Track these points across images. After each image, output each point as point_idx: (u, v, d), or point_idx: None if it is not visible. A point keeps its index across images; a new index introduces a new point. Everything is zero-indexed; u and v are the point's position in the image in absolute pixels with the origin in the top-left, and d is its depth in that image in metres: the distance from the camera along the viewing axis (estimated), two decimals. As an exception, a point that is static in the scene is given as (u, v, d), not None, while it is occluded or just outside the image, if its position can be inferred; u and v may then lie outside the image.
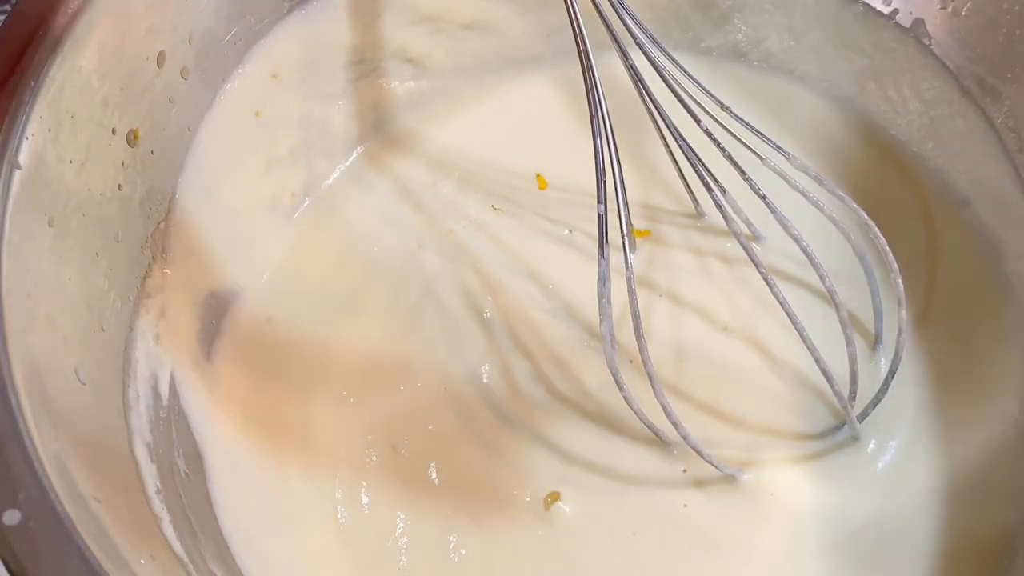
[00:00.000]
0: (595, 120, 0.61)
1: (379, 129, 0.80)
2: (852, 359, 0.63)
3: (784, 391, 0.68)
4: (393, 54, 0.78)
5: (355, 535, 0.65)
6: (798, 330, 0.62)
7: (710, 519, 0.64)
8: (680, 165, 0.70)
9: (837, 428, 0.66)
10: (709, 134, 0.64)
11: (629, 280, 0.61)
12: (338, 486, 0.66)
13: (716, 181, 0.65)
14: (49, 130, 0.54)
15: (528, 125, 0.79)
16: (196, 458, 0.65)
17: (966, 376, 0.67)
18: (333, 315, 0.72)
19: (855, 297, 0.68)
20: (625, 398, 0.62)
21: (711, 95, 0.65)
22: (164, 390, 0.64)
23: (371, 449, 0.67)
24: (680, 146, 0.64)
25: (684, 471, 0.66)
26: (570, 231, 0.75)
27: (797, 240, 0.63)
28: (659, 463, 0.66)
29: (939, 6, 0.70)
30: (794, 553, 0.63)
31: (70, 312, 0.56)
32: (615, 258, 0.61)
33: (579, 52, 0.61)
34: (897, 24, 0.73)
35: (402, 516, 0.65)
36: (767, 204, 0.63)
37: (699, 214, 0.74)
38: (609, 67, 0.63)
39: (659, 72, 0.63)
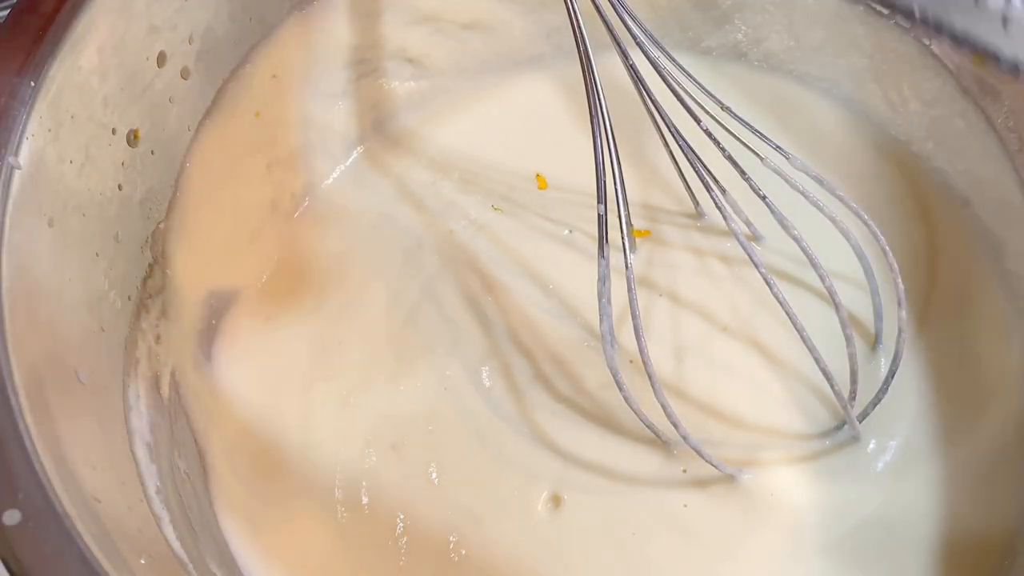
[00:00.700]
0: (595, 120, 0.61)
1: (379, 129, 0.80)
2: (852, 359, 0.63)
3: (784, 391, 0.68)
4: (393, 54, 0.78)
5: (355, 535, 0.65)
6: (798, 330, 0.62)
7: (710, 519, 0.64)
8: (680, 165, 0.70)
9: (837, 428, 0.66)
10: (709, 134, 0.64)
11: (629, 280, 0.61)
12: (338, 486, 0.66)
13: (716, 181, 0.65)
14: (49, 130, 0.54)
15: (528, 125, 0.79)
16: (196, 458, 0.65)
17: (966, 376, 0.67)
18: (333, 315, 0.72)
19: (855, 297, 0.68)
20: (625, 398, 0.62)
21: (711, 95, 0.65)
22: (164, 390, 0.64)
23: (371, 449, 0.67)
24: (680, 146, 0.64)
25: (684, 471, 0.66)
26: (570, 231, 0.75)
27: (797, 240, 0.63)
28: (659, 463, 0.66)
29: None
30: (794, 553, 0.63)
31: (70, 312, 0.56)
32: (615, 258, 0.61)
33: (579, 52, 0.61)
34: (897, 24, 0.72)
35: (402, 516, 0.65)
36: (767, 204, 0.63)
37: (699, 214, 0.74)
38: (609, 67, 0.63)
39: (659, 72, 0.63)
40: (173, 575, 0.54)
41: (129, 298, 0.62)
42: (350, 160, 0.79)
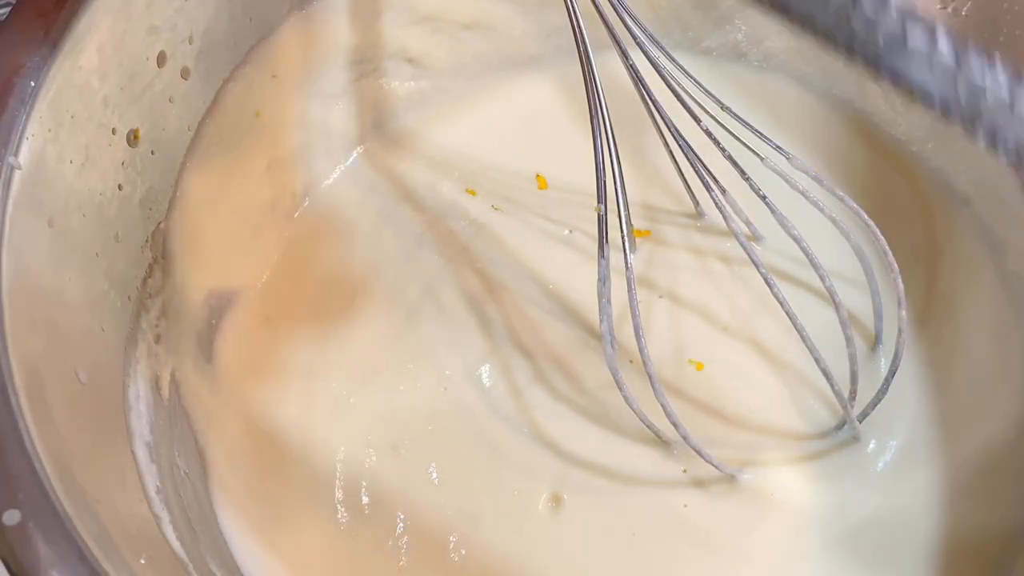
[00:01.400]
0: (595, 120, 0.61)
1: (379, 129, 0.80)
2: (852, 359, 0.63)
3: (784, 391, 0.68)
4: (393, 54, 0.78)
5: (355, 535, 0.65)
6: (798, 330, 0.62)
7: (710, 519, 0.64)
8: (680, 165, 0.70)
9: (837, 428, 0.66)
10: (709, 134, 0.64)
11: (629, 280, 0.61)
12: (338, 486, 0.66)
13: (716, 181, 0.65)
14: (49, 130, 0.54)
15: (528, 125, 0.79)
16: (196, 458, 0.65)
17: (966, 376, 0.67)
18: (333, 315, 0.72)
19: (855, 297, 0.68)
20: (625, 398, 0.62)
21: (711, 95, 0.65)
22: (164, 390, 0.64)
23: (371, 449, 0.67)
24: (680, 146, 0.64)
25: (684, 471, 0.66)
26: (570, 231, 0.75)
27: (797, 240, 0.63)
28: (659, 463, 0.66)
29: (939, 6, 0.70)
30: (794, 553, 0.63)
31: (70, 312, 0.56)
32: (615, 258, 0.61)
33: (579, 52, 0.61)
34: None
35: (402, 516, 0.65)
36: (767, 204, 0.63)
37: (699, 214, 0.74)
38: (609, 67, 0.63)
39: (659, 72, 0.63)
40: (173, 575, 0.54)
41: (129, 298, 0.62)
42: (350, 160, 0.79)
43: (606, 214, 0.61)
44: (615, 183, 0.63)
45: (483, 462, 0.67)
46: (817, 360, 0.62)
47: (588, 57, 0.60)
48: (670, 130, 0.64)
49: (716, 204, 0.64)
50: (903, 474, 0.64)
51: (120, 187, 0.61)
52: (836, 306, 0.63)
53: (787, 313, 0.62)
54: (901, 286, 0.64)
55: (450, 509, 0.65)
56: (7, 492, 0.46)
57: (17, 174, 0.52)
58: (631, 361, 0.67)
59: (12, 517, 0.45)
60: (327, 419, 0.68)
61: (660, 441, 0.65)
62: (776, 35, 0.78)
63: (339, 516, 0.65)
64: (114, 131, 0.60)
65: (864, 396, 0.65)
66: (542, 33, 0.80)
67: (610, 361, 0.61)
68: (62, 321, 0.55)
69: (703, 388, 0.68)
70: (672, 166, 0.70)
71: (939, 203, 0.72)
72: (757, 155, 0.64)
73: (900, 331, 0.64)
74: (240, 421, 0.68)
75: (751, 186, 0.63)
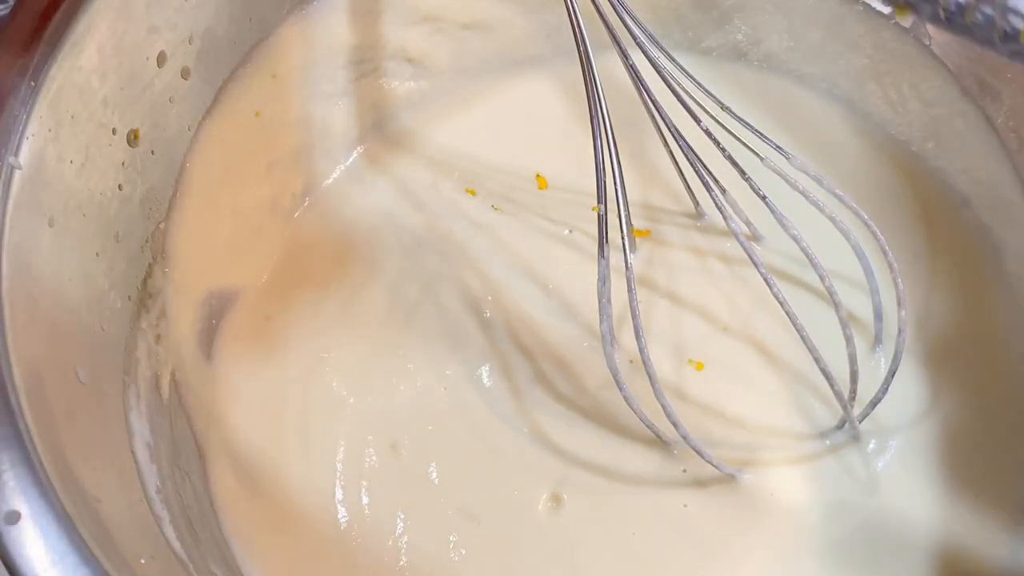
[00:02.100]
0: (595, 120, 0.61)
1: (379, 129, 0.80)
2: (852, 359, 0.63)
3: (784, 391, 0.68)
4: (393, 54, 0.78)
5: (355, 535, 0.65)
6: (798, 330, 0.62)
7: (710, 519, 0.64)
8: (680, 165, 0.70)
9: (837, 428, 0.66)
10: (709, 134, 0.64)
11: (629, 280, 0.61)
12: (338, 486, 0.66)
13: (716, 181, 0.65)
14: (49, 130, 0.54)
15: (528, 125, 0.79)
16: (196, 458, 0.65)
17: (966, 376, 0.67)
18: (333, 315, 0.72)
19: (855, 297, 0.68)
20: (625, 398, 0.62)
21: (711, 95, 0.65)
22: (164, 390, 0.64)
23: (371, 449, 0.67)
24: (680, 146, 0.64)
25: (684, 471, 0.66)
26: (570, 231, 0.75)
27: (797, 240, 0.63)
28: (659, 463, 0.66)
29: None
30: (794, 553, 0.63)
31: (70, 312, 0.56)
32: (615, 258, 0.61)
33: (579, 52, 0.61)
34: (897, 24, 0.72)
35: (402, 516, 0.65)
36: (767, 204, 0.63)
37: (699, 214, 0.74)
38: (609, 67, 0.63)
39: (659, 72, 0.63)
40: (173, 575, 0.54)
41: (129, 298, 0.62)
42: (350, 160, 0.79)
43: (606, 214, 0.61)
44: (615, 183, 0.63)
45: (483, 462, 0.67)
46: (817, 360, 0.62)
47: (588, 57, 0.60)
48: (670, 130, 0.64)
49: (716, 204, 0.64)
50: (902, 473, 0.64)
51: (120, 187, 0.61)
52: (836, 306, 0.63)
53: (787, 313, 0.62)
54: (901, 286, 0.64)
55: (450, 509, 0.65)
56: (7, 492, 0.46)
57: (17, 174, 0.52)
58: (631, 361, 0.67)
59: (12, 517, 0.45)
60: (327, 419, 0.68)
61: (660, 441, 0.65)
62: (776, 35, 0.78)
63: (339, 516, 0.65)
64: (114, 131, 0.60)
65: (864, 396, 0.65)
66: (542, 33, 0.80)
67: (610, 361, 0.61)
68: (62, 321, 0.55)
69: (703, 388, 0.68)
70: (672, 166, 0.71)
71: (939, 203, 0.72)
72: (757, 155, 0.64)
73: (900, 331, 0.64)
74: (240, 421, 0.68)
75: (751, 186, 0.63)
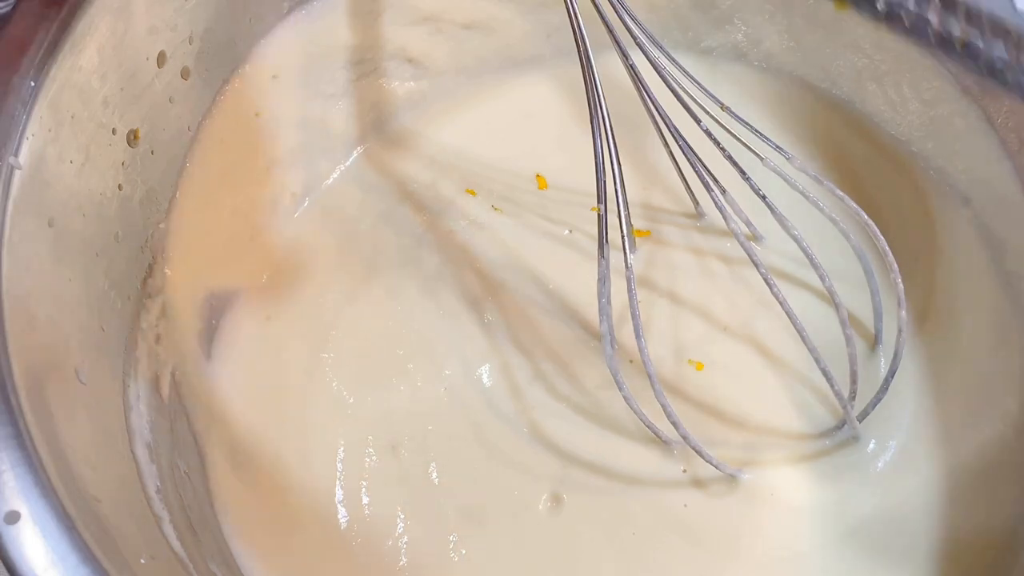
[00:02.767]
0: (595, 120, 0.61)
1: (379, 129, 0.80)
2: (852, 359, 0.63)
3: (784, 391, 0.68)
4: (393, 54, 0.78)
5: (355, 535, 0.65)
6: (798, 330, 0.62)
7: (710, 519, 0.64)
8: (680, 165, 0.70)
9: (837, 428, 0.66)
10: (709, 134, 0.64)
11: (629, 280, 0.61)
12: (338, 486, 0.66)
13: (716, 181, 0.65)
14: (49, 130, 0.54)
15: (528, 125, 0.79)
16: (196, 458, 0.66)
17: (966, 376, 0.67)
18: (333, 315, 0.72)
19: (855, 297, 0.68)
20: (625, 398, 0.62)
21: (711, 95, 0.65)
22: (164, 390, 0.64)
23: (371, 449, 0.67)
24: (680, 146, 0.64)
25: (684, 471, 0.66)
26: (570, 231, 0.75)
27: (797, 240, 0.63)
28: (659, 463, 0.66)
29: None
30: (793, 552, 0.63)
31: (70, 312, 0.56)
32: (615, 258, 0.61)
33: (579, 52, 0.61)
34: (897, 24, 0.72)
35: (402, 516, 0.65)
36: (767, 204, 0.63)
37: (699, 214, 0.74)
38: (609, 67, 0.63)
39: (659, 72, 0.63)
40: (173, 575, 0.54)
41: (129, 298, 0.62)
42: (350, 160, 0.79)
43: (606, 214, 0.61)
44: (615, 183, 0.63)
45: (483, 462, 0.67)
46: (817, 360, 0.62)
47: (588, 57, 0.60)
48: (670, 130, 0.64)
49: (716, 204, 0.64)
50: (903, 474, 0.64)
51: (120, 187, 0.61)
52: (836, 306, 0.63)
53: (787, 313, 0.62)
54: (901, 286, 0.64)
55: (450, 509, 0.65)
56: (7, 492, 0.46)
57: (17, 174, 0.52)
58: (631, 361, 0.67)
59: (12, 517, 0.45)
60: (327, 419, 0.68)
61: (660, 441, 0.65)
62: (776, 35, 0.78)
63: (339, 516, 0.65)
64: (114, 131, 0.60)
65: (864, 396, 0.65)
66: (542, 33, 0.80)
67: (610, 361, 0.61)
68: (62, 321, 0.55)
69: (703, 388, 0.68)
70: (672, 166, 0.70)
71: (939, 203, 0.72)
72: (757, 155, 0.64)
73: (900, 331, 0.64)
74: (240, 421, 0.68)
75: (751, 186, 0.63)
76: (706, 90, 0.65)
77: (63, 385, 0.53)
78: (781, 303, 0.62)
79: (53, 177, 0.55)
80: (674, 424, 0.62)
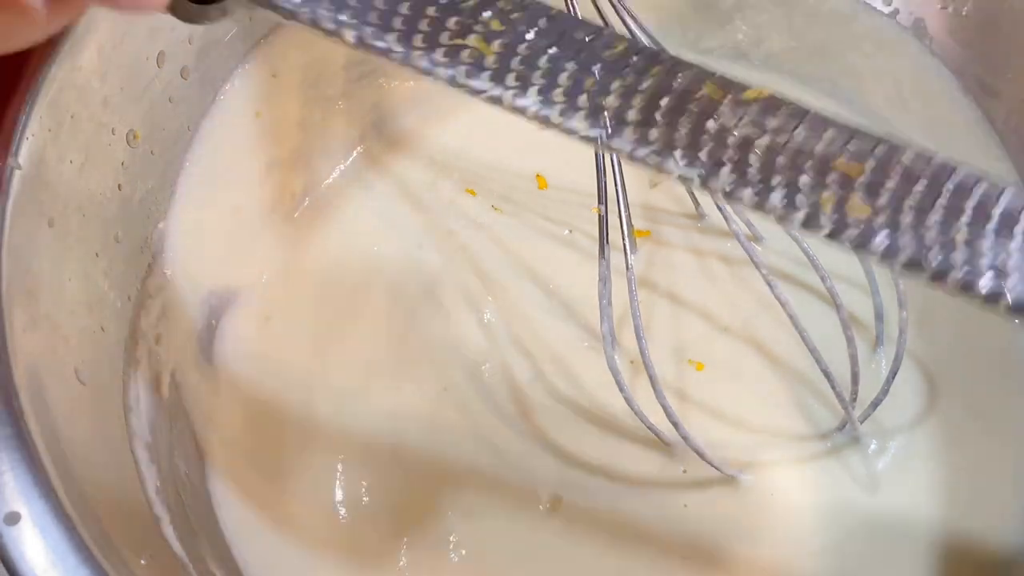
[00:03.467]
0: None
1: (379, 129, 0.80)
2: (853, 360, 0.63)
3: (784, 392, 0.68)
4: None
5: (355, 535, 0.65)
6: (799, 331, 0.62)
7: (710, 519, 0.64)
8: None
9: (838, 429, 0.66)
10: None
11: (630, 281, 0.61)
12: (338, 486, 0.66)
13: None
14: (49, 130, 0.54)
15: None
16: (196, 458, 0.65)
17: (966, 376, 0.67)
18: (333, 315, 0.72)
19: (855, 298, 0.68)
20: (626, 399, 0.62)
21: None
22: (164, 390, 0.64)
23: (371, 449, 0.67)
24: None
25: (684, 471, 0.66)
26: (570, 231, 0.75)
27: (797, 241, 0.63)
28: (659, 464, 0.66)
29: (939, 6, 0.70)
30: (794, 553, 0.63)
31: (70, 312, 0.56)
32: (615, 258, 0.61)
33: None
34: (897, 24, 0.73)
35: (402, 516, 0.65)
36: None
37: (699, 215, 0.74)
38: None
39: None
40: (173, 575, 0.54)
41: (129, 298, 0.62)
42: (350, 160, 0.78)
43: (607, 214, 0.61)
44: (616, 184, 0.63)
45: (483, 462, 0.67)
46: (818, 361, 0.62)
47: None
48: None
49: (717, 205, 0.64)
50: (903, 474, 0.64)
51: (120, 187, 0.61)
52: (837, 307, 0.63)
53: (788, 315, 0.62)
54: (902, 287, 0.64)
55: (450, 509, 0.65)
56: (7, 493, 0.46)
57: (17, 174, 0.52)
58: (631, 362, 0.67)
59: (12, 518, 0.45)
60: (327, 419, 0.68)
61: (660, 441, 0.65)
62: (777, 35, 0.78)
63: (339, 516, 0.65)
64: (114, 131, 0.60)
65: (864, 397, 0.65)
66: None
67: (611, 363, 0.61)
68: (62, 321, 0.55)
69: (704, 389, 0.68)
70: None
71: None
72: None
73: (901, 332, 0.64)
74: (240, 421, 0.68)
75: None
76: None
77: (63, 386, 0.53)
78: (783, 304, 0.61)
79: (53, 177, 0.55)
80: (675, 425, 0.62)
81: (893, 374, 0.64)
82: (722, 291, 0.71)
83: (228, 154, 0.70)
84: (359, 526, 0.65)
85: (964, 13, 0.69)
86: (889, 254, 0.36)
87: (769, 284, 0.61)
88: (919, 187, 0.37)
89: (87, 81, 0.57)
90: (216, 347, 0.70)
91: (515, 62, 0.40)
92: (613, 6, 0.62)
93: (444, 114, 0.80)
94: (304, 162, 0.76)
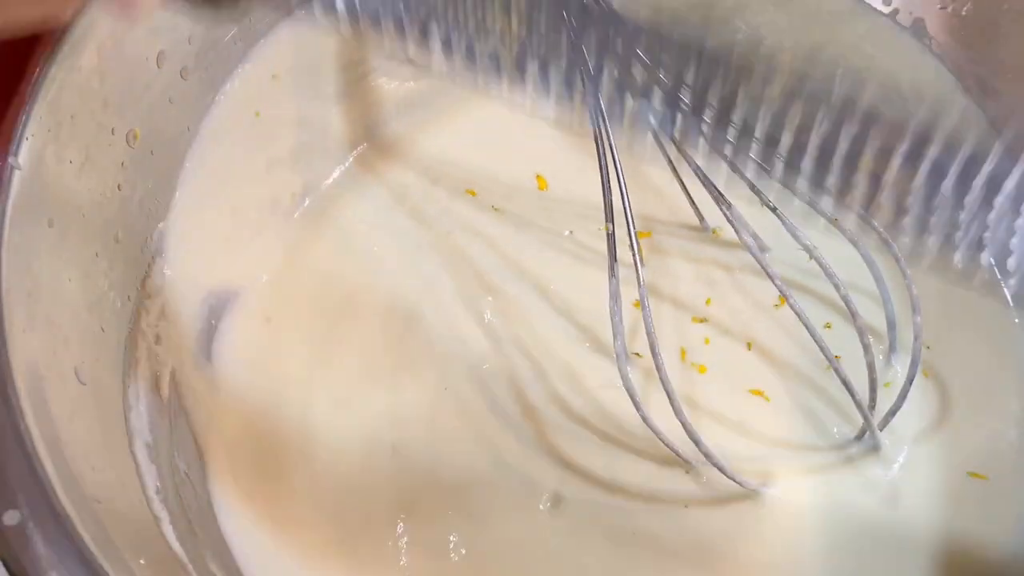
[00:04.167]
0: (599, 140, 0.60)
1: (378, 130, 0.80)
2: (871, 368, 0.63)
3: (797, 402, 0.67)
4: (392, 54, 0.77)
5: (355, 535, 0.65)
6: (817, 340, 0.61)
7: (711, 520, 0.64)
8: (683, 179, 0.69)
9: (856, 439, 0.66)
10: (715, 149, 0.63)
11: (642, 296, 0.60)
12: (338, 486, 0.66)
13: (722, 196, 0.65)
14: (49, 130, 0.54)
15: (528, 125, 0.79)
16: (196, 458, 0.65)
17: (968, 379, 0.67)
18: (333, 315, 0.72)
19: (863, 305, 0.67)
20: (643, 418, 0.61)
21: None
22: (164, 390, 0.64)
23: (371, 449, 0.67)
24: (687, 161, 0.64)
25: (686, 472, 0.65)
26: (570, 231, 0.75)
27: (810, 251, 0.62)
28: (660, 464, 0.66)
29: (939, 6, 0.70)
30: (796, 555, 0.63)
31: (70, 312, 0.56)
32: (623, 272, 0.61)
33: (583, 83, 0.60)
34: (897, 24, 0.72)
35: (402, 516, 0.65)
36: (778, 216, 0.62)
37: (703, 227, 0.73)
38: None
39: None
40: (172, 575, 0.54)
41: (129, 298, 0.62)
42: (350, 160, 0.78)
43: (614, 231, 0.61)
44: (623, 200, 0.62)
45: (483, 462, 0.67)
46: (836, 371, 0.61)
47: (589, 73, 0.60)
48: (675, 145, 0.63)
49: (727, 218, 0.63)
50: (910, 479, 0.65)
51: (120, 187, 0.61)
52: (853, 315, 0.62)
53: (805, 325, 0.61)
54: (915, 292, 0.64)
55: (450, 509, 0.65)
56: (7, 493, 0.46)
57: (17, 174, 0.52)
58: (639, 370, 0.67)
59: (12, 518, 0.45)
60: (327, 419, 0.68)
61: (660, 442, 0.65)
62: (776, 36, 0.78)
63: (339, 516, 0.65)
64: (114, 131, 0.60)
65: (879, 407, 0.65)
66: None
67: (626, 381, 0.60)
68: (62, 321, 0.55)
69: (713, 401, 0.68)
70: (674, 179, 0.70)
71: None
72: (763, 168, 0.63)
73: (916, 337, 0.63)
74: (240, 421, 0.68)
75: (762, 200, 0.62)
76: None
77: (63, 385, 0.53)
78: (799, 314, 0.61)
79: (53, 177, 0.55)
80: (696, 443, 0.61)
81: (910, 380, 0.64)
82: (730, 303, 0.71)
83: (228, 154, 0.70)
84: (358, 526, 0.65)
85: (964, 13, 0.69)
86: None
87: (785, 295, 0.61)
88: None
89: (87, 81, 0.57)
90: (216, 347, 0.70)
91: None
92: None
93: (444, 115, 0.80)
94: (304, 162, 0.76)
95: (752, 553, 0.63)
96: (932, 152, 0.38)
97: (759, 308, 0.70)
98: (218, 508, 0.65)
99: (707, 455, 0.62)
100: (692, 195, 0.71)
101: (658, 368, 0.60)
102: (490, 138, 0.79)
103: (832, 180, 0.39)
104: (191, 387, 0.67)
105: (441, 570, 0.64)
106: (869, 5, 0.73)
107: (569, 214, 0.75)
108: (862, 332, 0.62)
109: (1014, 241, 0.36)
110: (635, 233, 0.62)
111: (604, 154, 0.60)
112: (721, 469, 0.62)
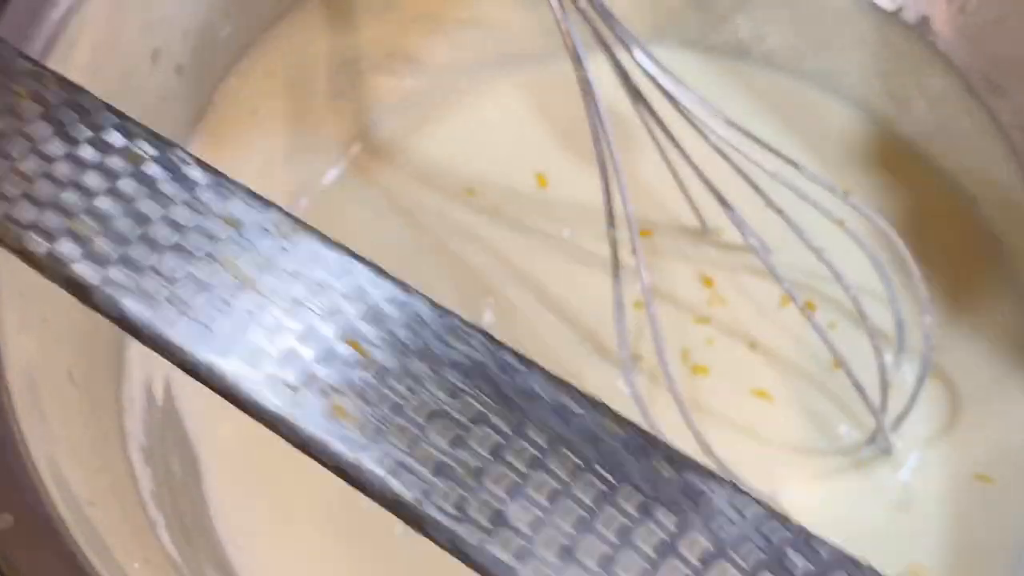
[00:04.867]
0: (598, 144, 0.59)
1: (377, 128, 0.79)
2: (882, 370, 0.62)
3: (804, 406, 0.67)
4: (391, 52, 0.77)
5: (355, 536, 0.64)
6: (828, 343, 0.61)
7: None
8: (683, 182, 0.69)
9: (867, 443, 0.65)
10: (719, 151, 0.63)
11: (648, 304, 0.60)
12: (336, 487, 0.65)
13: (724, 200, 0.64)
14: (44, 128, 0.54)
15: (527, 124, 0.79)
16: (191, 460, 0.65)
17: (972, 380, 0.67)
18: (331, 315, 0.72)
19: (870, 306, 0.67)
20: (650, 427, 0.61)
21: (716, 109, 0.63)
22: (159, 392, 0.64)
23: (369, 450, 0.67)
24: (688, 162, 0.63)
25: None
26: (571, 231, 0.74)
27: (818, 252, 0.62)
28: (660, 464, 0.65)
29: (945, 3, 0.70)
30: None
31: (64, 313, 0.55)
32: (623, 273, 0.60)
33: (578, 75, 0.60)
34: (902, 21, 0.72)
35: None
36: (784, 218, 0.62)
37: (704, 231, 0.73)
38: (607, 79, 0.62)
39: (663, 90, 0.62)
40: (168, 580, 0.54)
41: (124, 298, 0.62)
42: (347, 159, 0.78)
43: (615, 236, 0.61)
44: (624, 205, 0.62)
45: (483, 463, 0.66)
46: (848, 373, 0.61)
47: (588, 83, 0.59)
48: (676, 147, 0.63)
49: (733, 221, 0.63)
50: (922, 483, 0.64)
51: (117, 187, 0.60)
52: (862, 316, 0.62)
53: (814, 326, 0.61)
54: (924, 292, 0.63)
55: (450, 509, 0.65)
56: (0, 496, 0.45)
57: (16, 174, 0.51)
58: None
59: (5, 521, 0.45)
60: (324, 420, 0.68)
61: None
62: (779, 33, 0.78)
63: (337, 518, 0.65)
64: (109, 129, 0.59)
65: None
66: (541, 30, 0.79)
67: (633, 389, 0.59)
68: (56, 322, 0.54)
69: (718, 406, 0.67)
70: (673, 181, 0.70)
71: (946, 202, 0.72)
72: (765, 171, 0.63)
73: (927, 337, 0.63)
74: (235, 423, 0.67)
75: (767, 201, 0.62)
76: (711, 105, 0.64)
77: (57, 387, 0.53)
78: (808, 318, 0.61)
79: (49, 176, 0.54)
80: (706, 452, 0.61)
81: (921, 380, 0.64)
82: (733, 307, 0.71)
83: (223, 152, 0.69)
84: (358, 527, 0.64)
85: (970, 10, 0.69)
86: None
87: (793, 298, 0.61)
88: None
89: (81, 79, 0.56)
90: (212, 348, 0.69)
91: None
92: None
93: (443, 112, 0.80)
94: (300, 161, 0.75)
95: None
96: None
97: (762, 309, 0.69)
98: (213, 511, 0.64)
99: (719, 464, 0.61)
100: (691, 195, 0.71)
101: (666, 375, 0.60)
102: (488, 136, 0.79)
103: None
104: (185, 389, 0.66)
105: (441, 570, 0.63)
106: (873, 2, 0.73)
107: (569, 214, 0.75)
108: (873, 334, 0.62)
109: None
110: (636, 235, 0.62)
111: (604, 156, 0.60)
112: (732, 480, 0.62)
